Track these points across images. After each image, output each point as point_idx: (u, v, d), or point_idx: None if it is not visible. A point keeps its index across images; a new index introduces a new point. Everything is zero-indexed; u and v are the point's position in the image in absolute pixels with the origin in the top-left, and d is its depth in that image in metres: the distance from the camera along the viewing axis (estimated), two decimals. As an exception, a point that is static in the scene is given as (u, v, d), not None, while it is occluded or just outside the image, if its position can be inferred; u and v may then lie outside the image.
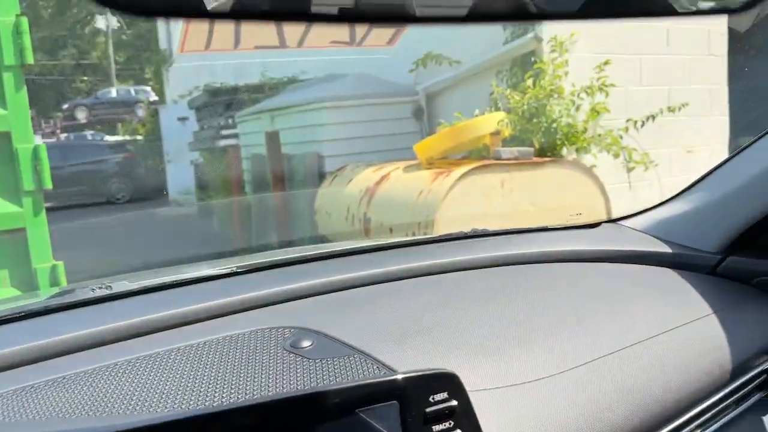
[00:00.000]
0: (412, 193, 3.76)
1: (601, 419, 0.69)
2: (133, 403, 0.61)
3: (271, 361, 0.70)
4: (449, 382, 0.55)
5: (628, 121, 4.71)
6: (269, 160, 6.08)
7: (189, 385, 0.65)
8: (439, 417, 0.54)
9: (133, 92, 18.79)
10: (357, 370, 0.67)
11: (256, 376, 0.67)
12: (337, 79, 6.62)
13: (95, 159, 13.37)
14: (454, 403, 0.55)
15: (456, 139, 4.31)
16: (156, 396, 0.63)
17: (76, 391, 0.65)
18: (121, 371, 0.68)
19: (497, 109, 4.63)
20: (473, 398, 0.65)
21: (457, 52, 5.46)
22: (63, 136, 16.31)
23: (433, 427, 0.54)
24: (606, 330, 0.85)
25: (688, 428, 0.80)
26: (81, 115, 18.36)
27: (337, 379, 0.64)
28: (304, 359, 0.70)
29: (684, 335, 0.87)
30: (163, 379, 0.67)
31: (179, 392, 0.63)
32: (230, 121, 8.89)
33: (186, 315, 0.85)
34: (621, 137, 4.61)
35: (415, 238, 1.24)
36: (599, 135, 4.63)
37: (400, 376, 0.54)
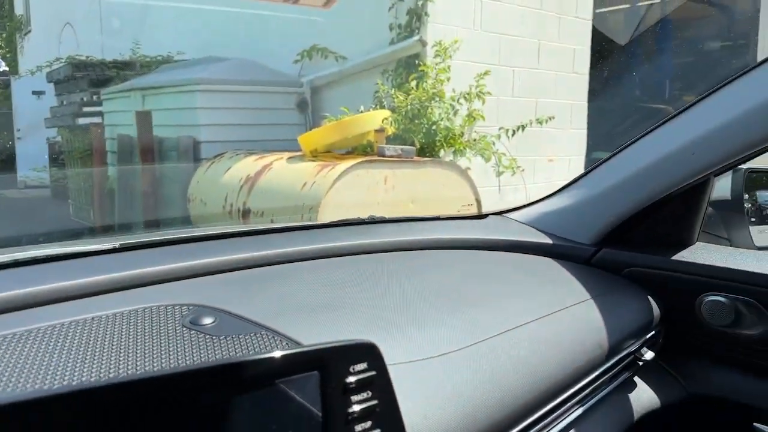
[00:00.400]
0: (296, 184, 3.71)
1: (498, 395, 0.73)
2: (9, 380, 0.54)
3: (170, 338, 0.66)
4: (368, 352, 0.55)
5: (500, 129, 5.00)
6: (139, 141, 5.70)
7: (78, 361, 0.59)
8: (358, 387, 0.54)
9: (-22, 59, 16.78)
10: (266, 346, 0.65)
11: (155, 352, 0.62)
12: (217, 62, 6.36)
13: (-73, 129, 11.78)
14: (373, 372, 0.55)
15: (341, 133, 4.32)
16: (40, 373, 0.56)
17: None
18: (12, 343, 0.60)
19: (382, 107, 4.71)
20: (399, 371, 0.65)
21: (343, 47, 5.48)
22: None
23: (352, 397, 0.53)
24: (497, 311, 0.89)
25: (569, 403, 0.86)
26: None
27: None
28: (207, 336, 0.67)
29: (565, 317, 0.94)
30: (46, 355, 0.60)
31: (67, 369, 0.57)
32: (95, 97, 8.23)
33: (66, 290, 0.77)
34: (493, 143, 4.88)
35: (313, 222, 1.22)
36: (474, 140, 4.87)
37: (321, 346, 0.53)
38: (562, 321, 0.93)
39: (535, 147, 5.44)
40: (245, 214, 3.98)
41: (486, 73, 4.71)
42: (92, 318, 0.68)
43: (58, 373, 0.56)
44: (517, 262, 1.17)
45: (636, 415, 1.01)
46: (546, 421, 0.81)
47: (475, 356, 0.75)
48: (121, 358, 0.60)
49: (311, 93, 5.94)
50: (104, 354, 0.60)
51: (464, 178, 4.22)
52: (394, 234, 1.20)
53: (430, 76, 4.70)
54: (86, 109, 8.21)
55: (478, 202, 4.17)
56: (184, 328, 0.68)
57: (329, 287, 0.88)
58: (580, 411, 0.89)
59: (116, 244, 0.96)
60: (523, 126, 5.03)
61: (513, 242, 1.23)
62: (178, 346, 0.64)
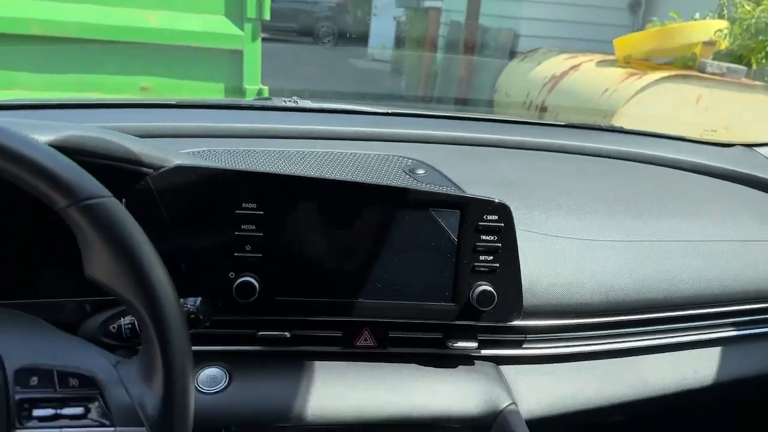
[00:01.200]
0: (597, 89, 3.66)
1: (628, 282, 0.86)
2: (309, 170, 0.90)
3: (391, 175, 0.94)
4: (502, 210, 0.75)
5: None
6: (466, 28, 6.09)
7: (338, 170, 0.92)
8: (488, 231, 0.75)
9: (354, -63, 18.91)
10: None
11: (379, 181, 0.92)
12: (557, -46, 6.22)
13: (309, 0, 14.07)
14: (502, 224, 0.75)
15: (662, 42, 4.00)
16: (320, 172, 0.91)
17: (270, 161, 0.94)
18: (299, 157, 0.96)
19: (721, 17, 4.15)
20: (539, 239, 0.85)
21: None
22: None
23: (481, 236, 0.75)
24: (699, 223, 0.98)
25: (732, 319, 0.93)
26: (302, -47, 19.04)
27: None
28: (415, 180, 0.93)
29: (756, 249, 0.97)
30: (324, 165, 0.93)
31: (332, 173, 0.90)
32: (439, -18, 8.80)
33: (344, 133, 1.12)
34: None
35: (551, 120, 1.37)
36: (840, 68, 4.00)
37: (466, 194, 0.75)
38: (749, 251, 0.96)
39: None
40: (541, 111, 4.10)
41: None
42: (352, 153, 1.00)
43: (329, 174, 0.89)
44: (746, 194, 1.16)
45: None
46: (707, 323, 0.91)
47: (621, 249, 0.88)
48: (363, 178, 0.91)
49: (648, -7, 5.47)
50: (354, 172, 0.92)
51: (806, 112, 3.59)
52: (629, 144, 1.28)
53: (797, -16, 3.93)
54: (430, -8, 8.87)
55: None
56: (402, 172, 0.96)
57: (538, 175, 1.06)
58: (735, 332, 0.94)
59: (388, 110, 1.29)
60: None
61: (749, 176, 1.20)
62: (394, 181, 0.92)
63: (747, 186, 1.21)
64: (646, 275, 0.87)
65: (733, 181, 1.22)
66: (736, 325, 0.94)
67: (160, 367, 0.47)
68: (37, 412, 0.46)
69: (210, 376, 0.74)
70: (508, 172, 1.06)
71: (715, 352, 0.93)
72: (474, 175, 1.00)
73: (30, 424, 0.45)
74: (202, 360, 0.75)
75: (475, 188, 0.93)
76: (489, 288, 0.76)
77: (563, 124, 1.37)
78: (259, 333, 0.77)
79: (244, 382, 0.74)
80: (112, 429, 0.46)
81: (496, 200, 0.75)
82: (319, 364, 0.78)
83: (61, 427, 0.46)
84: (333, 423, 0.73)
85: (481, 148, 1.19)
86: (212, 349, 0.77)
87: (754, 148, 1.28)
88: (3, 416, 0.45)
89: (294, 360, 0.78)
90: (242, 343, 0.78)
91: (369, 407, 0.75)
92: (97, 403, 0.46)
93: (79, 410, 0.46)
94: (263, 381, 0.75)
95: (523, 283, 0.78)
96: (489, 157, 1.15)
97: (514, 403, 0.77)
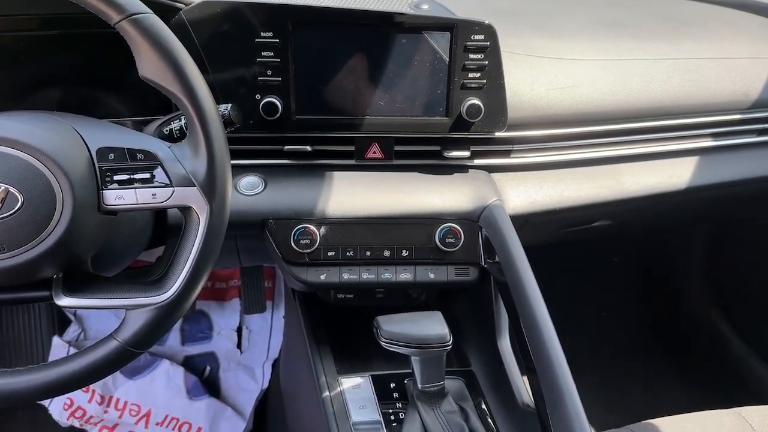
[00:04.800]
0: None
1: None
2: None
3: (396, 9, 1.04)
4: (488, 30, 0.85)
5: None
6: None
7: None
8: (475, 50, 0.85)
9: None
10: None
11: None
12: None
13: None
14: (487, 44, 0.85)
15: None
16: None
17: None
18: None
19: None
20: (525, 59, 0.95)
21: None
22: None
23: (470, 54, 0.86)
24: (687, 44, 1.06)
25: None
26: None
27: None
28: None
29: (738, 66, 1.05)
30: (334, 2, 1.03)
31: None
32: None
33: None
34: None
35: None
36: None
37: (455, 17, 0.85)
38: (728, 68, 1.04)
39: None
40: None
41: None
42: (359, -8, 1.09)
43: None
44: (739, 19, 1.21)
45: None
46: (681, 133, 1.02)
47: (603, 67, 0.97)
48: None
49: None
50: (362, 7, 1.01)
51: None
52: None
53: None
54: None
55: None
56: (407, 7, 1.04)
57: (524, 3, 1.13)
58: (709, 142, 1.05)
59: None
60: None
61: (751, 2, 1.24)
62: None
63: (748, 12, 1.24)
64: (627, 87, 0.97)
65: (735, 8, 1.26)
66: (710, 136, 1.04)
67: (204, 145, 0.63)
68: (116, 177, 0.62)
69: (249, 182, 0.91)
70: (508, 3, 1.13)
71: (690, 161, 1.04)
72: (475, 8, 1.08)
73: (112, 186, 0.63)
74: (242, 171, 0.92)
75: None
76: (477, 102, 0.88)
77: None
78: (286, 147, 0.92)
79: (277, 187, 0.91)
80: (172, 188, 0.63)
81: (484, 21, 0.85)
82: (337, 174, 0.94)
83: (135, 187, 0.63)
84: (348, 217, 0.90)
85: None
86: (250, 162, 0.93)
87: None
88: (93, 181, 0.62)
89: (316, 170, 0.94)
90: (274, 157, 0.93)
91: (378, 205, 0.91)
92: (159, 170, 0.62)
93: (146, 175, 0.62)
94: (292, 186, 0.92)
95: (508, 98, 0.89)
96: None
97: (499, 199, 0.92)
